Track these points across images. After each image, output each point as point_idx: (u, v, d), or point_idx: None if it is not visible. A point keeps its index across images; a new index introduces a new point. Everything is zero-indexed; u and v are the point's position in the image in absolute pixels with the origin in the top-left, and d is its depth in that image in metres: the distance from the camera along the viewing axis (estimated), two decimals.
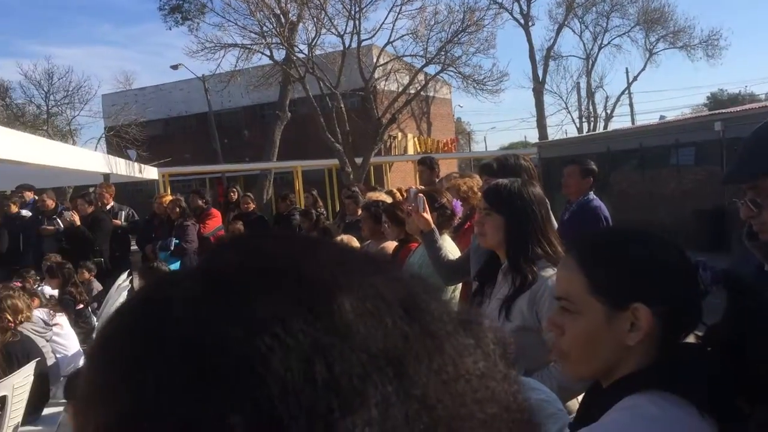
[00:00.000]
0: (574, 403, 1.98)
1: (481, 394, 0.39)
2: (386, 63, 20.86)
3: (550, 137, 31.32)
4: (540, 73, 35.05)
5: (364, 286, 0.40)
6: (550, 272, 2.27)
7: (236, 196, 10.28)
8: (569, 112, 40.64)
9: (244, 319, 0.37)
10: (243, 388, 0.35)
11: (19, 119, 30.88)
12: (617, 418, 1.18)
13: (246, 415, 0.34)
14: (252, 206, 9.66)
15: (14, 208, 9.09)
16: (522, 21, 33.83)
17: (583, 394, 1.57)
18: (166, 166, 21.83)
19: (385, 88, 23.03)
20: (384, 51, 20.85)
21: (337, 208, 19.02)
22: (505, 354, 0.44)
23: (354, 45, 19.09)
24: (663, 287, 1.24)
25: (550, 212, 2.57)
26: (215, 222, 9.08)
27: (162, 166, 20.10)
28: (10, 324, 4.25)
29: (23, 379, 3.75)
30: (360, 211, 6.02)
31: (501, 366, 0.42)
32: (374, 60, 20.82)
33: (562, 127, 48.71)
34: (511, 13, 32.47)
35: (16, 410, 3.68)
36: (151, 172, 16.68)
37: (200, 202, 9.16)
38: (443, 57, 19.77)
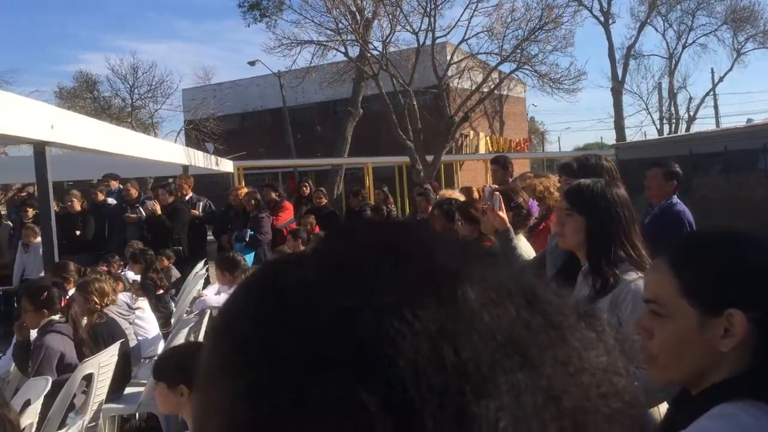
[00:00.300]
0: (654, 411, 1.92)
1: (605, 389, 0.39)
2: (460, 60, 20.71)
3: (628, 139, 30.34)
4: (619, 72, 34.02)
5: (487, 275, 0.40)
6: (633, 276, 2.21)
7: (308, 191, 10.45)
8: (649, 113, 39.31)
9: (371, 301, 0.37)
10: (373, 368, 0.35)
11: (105, 111, 32.33)
12: (708, 426, 1.14)
13: (378, 395, 0.34)
14: (324, 201, 9.80)
15: (101, 196, 9.53)
16: (602, 18, 32.91)
17: (666, 402, 1.53)
18: (241, 160, 22.41)
19: (458, 86, 22.86)
20: (458, 48, 20.71)
21: (407, 206, 19.08)
22: (624, 350, 0.43)
23: (428, 42, 19.02)
24: (760, 292, 1.19)
25: (634, 215, 2.50)
26: (287, 215, 9.26)
27: (237, 160, 20.64)
28: (97, 306, 4.47)
29: (108, 358, 3.93)
30: (431, 209, 6.01)
31: (622, 361, 0.42)
32: (448, 57, 20.71)
33: (641, 128, 46.96)
34: (590, 11, 31.64)
35: (101, 387, 3.87)
36: (226, 165, 17.17)
37: (274, 195, 9.37)
38: (519, 55, 19.45)
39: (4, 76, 31.34)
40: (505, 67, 20.47)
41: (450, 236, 0.47)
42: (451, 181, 24.72)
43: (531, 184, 4.54)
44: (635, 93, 40.25)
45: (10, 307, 8.91)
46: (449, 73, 20.36)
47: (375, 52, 19.21)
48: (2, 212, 10.04)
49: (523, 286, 0.41)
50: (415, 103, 18.31)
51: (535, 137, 49.41)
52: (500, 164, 6.28)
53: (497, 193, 3.40)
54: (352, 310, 0.37)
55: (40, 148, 6.90)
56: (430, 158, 18.16)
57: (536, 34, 19.23)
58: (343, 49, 19.62)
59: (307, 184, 10.73)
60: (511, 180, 6.33)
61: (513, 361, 0.37)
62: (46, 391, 3.20)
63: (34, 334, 4.05)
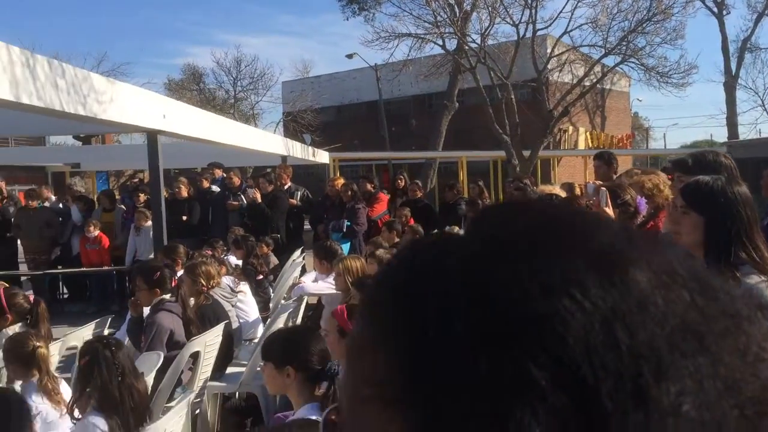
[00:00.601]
0: None
1: None
2: (561, 53, 20.16)
3: (741, 136, 28.58)
4: (733, 66, 32.04)
5: (657, 259, 0.39)
6: (755, 279, 2.08)
7: (403, 183, 10.49)
8: (765, 109, 36.79)
9: (540, 278, 0.37)
10: (543, 345, 0.35)
11: (210, 103, 33.74)
12: None
13: (549, 371, 0.34)
14: (420, 193, 9.82)
15: (205, 184, 9.97)
16: (715, 9, 31.09)
17: None
18: (337, 152, 22.82)
19: (558, 80, 22.28)
20: (559, 41, 20.15)
21: (501, 201, 18.78)
22: None
23: (529, 35, 18.63)
24: None
25: (757, 214, 2.35)
26: (382, 206, 9.35)
27: (333, 151, 21.04)
28: (203, 288, 4.67)
29: (214, 338, 4.11)
30: None
31: None
32: (548, 50, 20.21)
33: (756, 126, 44.03)
34: (703, 1, 29.95)
35: (207, 365, 4.05)
36: (323, 156, 17.54)
37: (369, 186, 9.48)
38: (624, 47, 18.71)
39: (119, 68, 33.23)
40: (609, 60, 19.78)
41: (613, 221, 0.46)
42: (548, 177, 24.14)
43: (639, 180, 4.35)
44: (750, 88, 37.74)
45: (122, 285, 9.50)
46: (549, 67, 19.86)
47: (473, 45, 18.99)
48: (116, 197, 10.66)
49: (693, 272, 0.39)
50: (513, 96, 17.99)
51: (638, 133, 47.41)
52: (604, 160, 6.06)
53: (604, 188, 3.28)
54: (520, 287, 0.37)
55: (152, 136, 7.29)
56: (526, 153, 17.80)
57: (644, 25, 18.42)
58: (440, 42, 19.55)
59: (402, 176, 10.77)
60: (614, 177, 6.11)
61: (691, 346, 0.36)
62: (158, 366, 3.39)
63: (146, 311, 4.29)
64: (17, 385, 3.15)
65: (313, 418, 2.11)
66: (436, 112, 25.16)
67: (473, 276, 0.38)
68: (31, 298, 4.06)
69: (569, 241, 0.40)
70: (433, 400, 0.36)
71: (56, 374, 3.30)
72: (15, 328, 3.80)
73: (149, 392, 3.21)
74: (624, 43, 18.68)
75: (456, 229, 6.59)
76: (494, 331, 0.36)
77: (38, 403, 2.98)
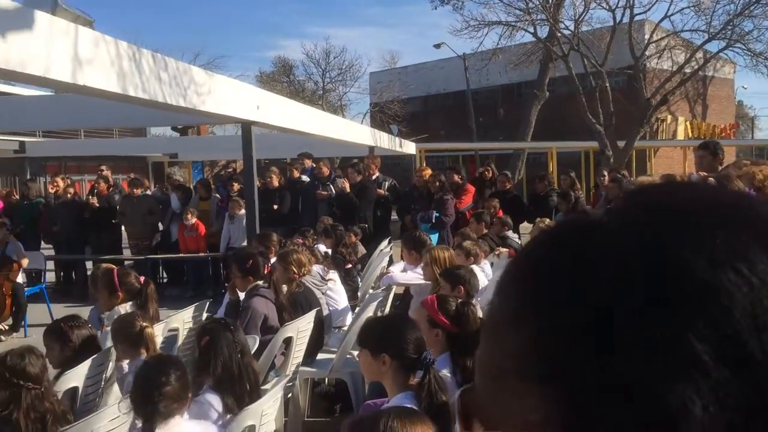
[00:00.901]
0: None
1: None
2: (660, 39, 19.26)
3: None
4: None
5: None
6: None
7: (491, 174, 10.34)
8: None
9: (705, 249, 0.36)
10: (707, 315, 0.34)
11: (299, 94, 34.41)
12: None
13: (711, 345, 0.34)
14: (509, 185, 9.66)
15: (296, 173, 10.18)
16: None
17: None
18: (423, 142, 22.77)
19: (657, 67, 21.30)
20: (658, 26, 19.25)
21: (592, 193, 18.21)
22: None
23: (626, 20, 17.89)
24: None
25: None
26: (469, 198, 9.26)
27: (419, 142, 21.01)
28: (295, 275, 4.77)
29: (306, 324, 4.19)
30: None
31: None
32: (646, 36, 19.35)
33: None
34: None
35: (299, 351, 4.14)
36: (409, 147, 17.55)
37: (457, 177, 9.40)
38: (730, 32, 17.65)
39: (214, 61, 34.42)
40: (713, 46, 18.72)
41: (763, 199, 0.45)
42: (644, 168, 23.22)
43: (749, 172, 4.10)
44: None
45: (216, 271, 9.88)
46: (647, 53, 19.02)
47: (566, 32, 18.44)
48: (211, 186, 11.08)
49: None
50: (607, 84, 17.34)
51: (743, 123, 44.73)
52: (709, 150, 5.74)
53: (711, 179, 3.10)
54: (684, 258, 0.36)
55: (246, 127, 7.50)
56: (621, 144, 17.14)
57: (751, 8, 17.31)
58: (532, 30, 19.10)
59: (489, 167, 10.62)
60: (720, 168, 5.77)
61: None
62: (254, 349, 3.49)
63: (242, 296, 4.43)
64: (125, 363, 3.32)
65: (408, 406, 2.11)
66: (526, 101, 24.66)
67: (639, 248, 0.38)
68: (141, 279, 4.28)
69: (733, 217, 0.39)
70: (578, 373, 0.36)
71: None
72: (126, 307, 4.02)
73: None
74: (729, 27, 17.62)
75: (547, 221, 6.41)
76: (657, 299, 0.35)
77: None
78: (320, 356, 4.68)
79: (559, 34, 18.24)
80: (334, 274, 5.63)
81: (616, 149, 16.97)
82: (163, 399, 2.34)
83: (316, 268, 5.32)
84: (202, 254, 9.62)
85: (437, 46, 27.07)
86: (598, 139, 17.31)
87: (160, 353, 3.31)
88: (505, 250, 6.95)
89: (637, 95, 17.68)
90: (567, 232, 0.43)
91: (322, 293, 5.10)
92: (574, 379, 0.36)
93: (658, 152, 27.08)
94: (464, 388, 1.89)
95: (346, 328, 5.03)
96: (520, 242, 7.81)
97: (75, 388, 3.32)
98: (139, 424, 2.43)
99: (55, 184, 10.46)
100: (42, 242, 10.34)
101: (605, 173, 9.87)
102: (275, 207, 9.39)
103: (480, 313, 3.02)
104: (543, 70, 21.94)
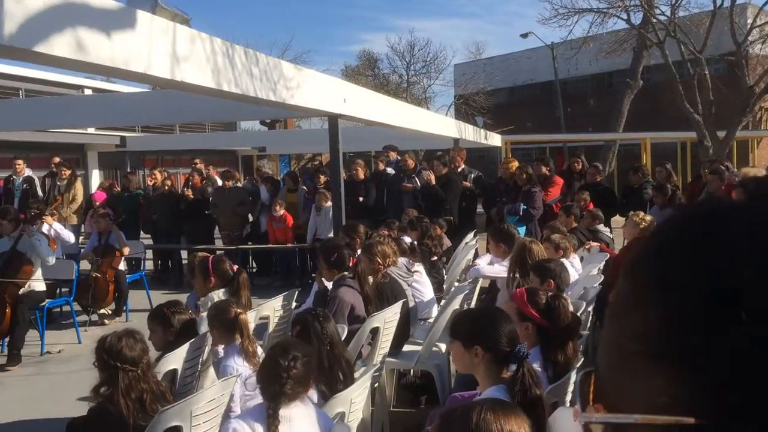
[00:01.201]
0: None
1: None
2: (764, 24, 18.07)
3: None
4: None
5: None
6: None
7: (581, 167, 10.04)
8: None
9: None
10: None
11: (383, 87, 34.59)
12: None
13: None
14: (599, 177, 9.36)
15: (381, 166, 10.25)
16: None
17: None
18: (509, 134, 22.40)
19: (760, 53, 20.03)
20: (762, 9, 18.06)
21: (689, 185, 17.35)
22: None
23: (727, 4, 16.89)
24: None
25: None
26: (557, 190, 9.03)
27: (505, 134, 20.68)
28: (380, 266, 4.80)
29: (392, 315, 4.21)
30: (727, 189, 5.36)
31: None
32: (749, 20, 18.20)
33: None
34: None
35: (385, 341, 4.17)
36: (495, 139, 17.31)
37: (544, 169, 9.18)
38: None
39: (301, 56, 35.11)
40: None
41: None
42: (746, 160, 21.97)
43: None
44: None
45: (303, 262, 10.10)
46: (750, 38, 17.89)
47: (662, 18, 17.60)
48: (298, 178, 11.33)
49: None
50: (706, 72, 16.45)
51: None
52: None
53: None
54: None
55: (333, 120, 7.61)
56: (720, 134, 16.24)
57: None
58: (625, 16, 18.35)
59: (580, 159, 10.32)
60: None
61: None
62: (343, 338, 3.54)
63: (330, 286, 4.50)
64: (221, 348, 3.45)
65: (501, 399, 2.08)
66: (617, 91, 23.75)
67: (757, 239, 0.38)
68: (235, 268, 4.42)
69: None
70: (708, 355, 0.36)
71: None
72: (220, 294, 4.17)
73: None
74: None
75: (641, 214, 6.16)
76: None
77: (239, 365, 3.24)
78: (406, 348, 4.70)
79: (654, 20, 17.43)
80: (419, 266, 5.63)
81: (715, 140, 16.09)
82: (289, 380, 2.41)
83: (402, 260, 5.33)
84: (290, 245, 9.86)
85: (524, 35, 26.52)
86: (697, 129, 16.46)
87: (288, 338, 3.42)
88: (596, 244, 6.74)
89: (739, 83, 16.66)
90: (699, 214, 0.42)
91: (408, 285, 5.10)
92: (702, 360, 0.36)
93: (761, 143, 25.52)
94: (585, 371, 1.82)
95: (432, 320, 5.03)
96: (611, 236, 7.55)
97: (174, 370, 3.48)
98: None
99: (154, 176, 10.97)
100: (141, 232, 10.89)
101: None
102: (361, 199, 9.49)
103: (571, 308, 2.93)
104: (636, 58, 21.06)
